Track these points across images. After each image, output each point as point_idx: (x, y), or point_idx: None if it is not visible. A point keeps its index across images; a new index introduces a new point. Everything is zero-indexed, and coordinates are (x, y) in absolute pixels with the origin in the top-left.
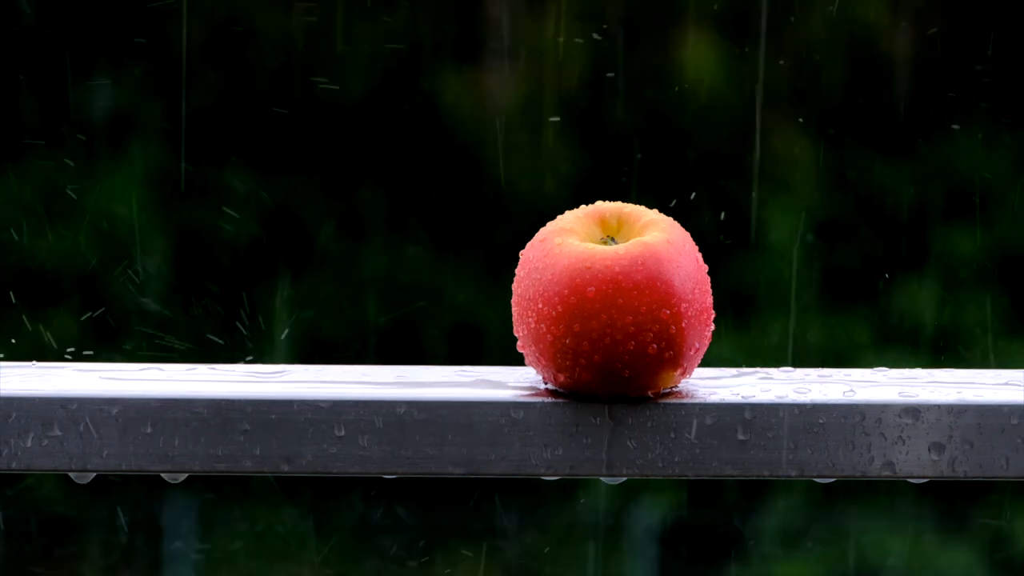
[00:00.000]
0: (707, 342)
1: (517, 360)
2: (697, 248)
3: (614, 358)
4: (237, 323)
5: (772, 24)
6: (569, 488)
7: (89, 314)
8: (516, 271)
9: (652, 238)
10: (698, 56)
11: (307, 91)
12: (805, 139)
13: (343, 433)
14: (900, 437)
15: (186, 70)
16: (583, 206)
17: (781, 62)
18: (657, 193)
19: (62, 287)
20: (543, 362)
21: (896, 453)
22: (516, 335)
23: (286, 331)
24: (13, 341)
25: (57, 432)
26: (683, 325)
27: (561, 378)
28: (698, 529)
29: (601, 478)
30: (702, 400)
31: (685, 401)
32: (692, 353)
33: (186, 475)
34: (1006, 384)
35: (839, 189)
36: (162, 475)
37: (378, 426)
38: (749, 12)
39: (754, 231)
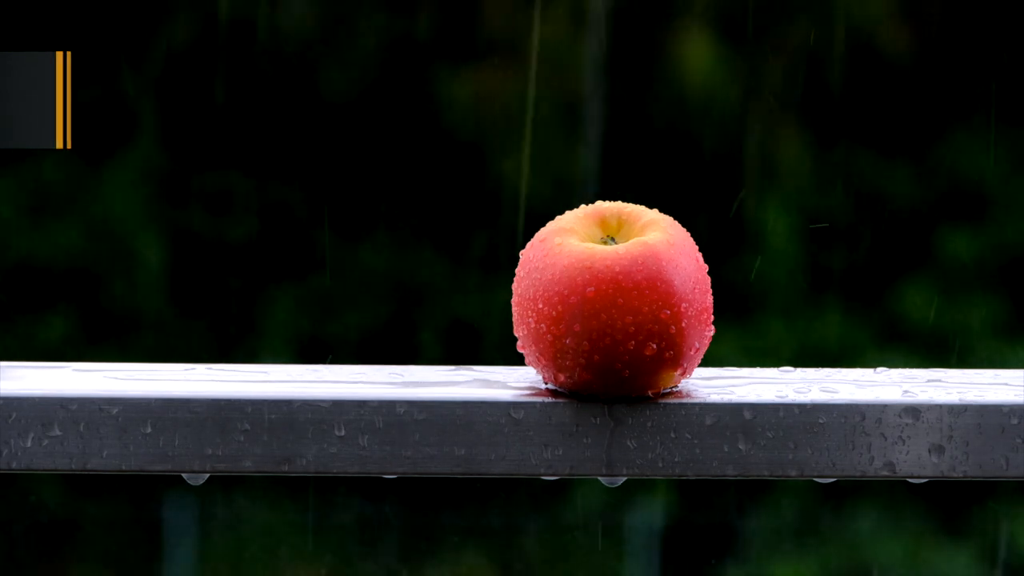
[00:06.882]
0: (707, 342)
1: (517, 360)
2: (697, 248)
3: (614, 358)
4: (237, 323)
5: (771, 23)
6: (568, 488)
7: (88, 314)
8: (516, 271)
9: (652, 238)
10: (696, 54)
11: (307, 88)
12: (805, 138)
13: (343, 433)
14: (900, 437)
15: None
16: (583, 206)
17: (779, 61)
18: (656, 192)
19: (62, 287)
20: (543, 362)
21: (896, 453)
22: (516, 335)
23: (286, 331)
24: (12, 341)
25: (57, 432)
26: (683, 325)
27: (561, 378)
28: (697, 529)
29: (601, 478)
30: (702, 400)
31: (685, 401)
32: (692, 353)
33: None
34: (1006, 384)
35: (839, 189)
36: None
37: (378, 426)
38: (749, 11)
39: (754, 231)
